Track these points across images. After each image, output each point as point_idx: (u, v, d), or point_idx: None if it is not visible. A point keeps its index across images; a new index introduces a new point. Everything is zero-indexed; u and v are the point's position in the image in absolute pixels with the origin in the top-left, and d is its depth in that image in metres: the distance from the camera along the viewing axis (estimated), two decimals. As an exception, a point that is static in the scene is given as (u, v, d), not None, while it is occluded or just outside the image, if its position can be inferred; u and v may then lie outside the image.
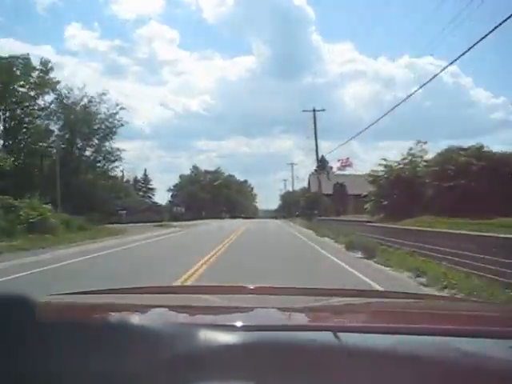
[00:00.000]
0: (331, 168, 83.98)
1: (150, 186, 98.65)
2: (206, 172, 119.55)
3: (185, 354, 0.65)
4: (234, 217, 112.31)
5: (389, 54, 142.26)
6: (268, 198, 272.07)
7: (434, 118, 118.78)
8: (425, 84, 19.80)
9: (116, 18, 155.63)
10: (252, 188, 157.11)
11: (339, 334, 0.86)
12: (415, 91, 26.54)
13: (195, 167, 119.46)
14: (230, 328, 0.88)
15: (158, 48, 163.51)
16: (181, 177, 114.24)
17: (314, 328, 1.11)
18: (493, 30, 11.91)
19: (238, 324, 0.96)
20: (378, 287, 8.71)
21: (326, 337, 0.85)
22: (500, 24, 11.52)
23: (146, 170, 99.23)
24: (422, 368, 0.73)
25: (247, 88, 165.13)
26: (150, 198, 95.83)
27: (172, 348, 0.65)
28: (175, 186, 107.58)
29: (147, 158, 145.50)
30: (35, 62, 41.27)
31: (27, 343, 0.63)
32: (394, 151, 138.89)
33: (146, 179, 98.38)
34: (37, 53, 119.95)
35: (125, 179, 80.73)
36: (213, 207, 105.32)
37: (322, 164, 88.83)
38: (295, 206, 79.60)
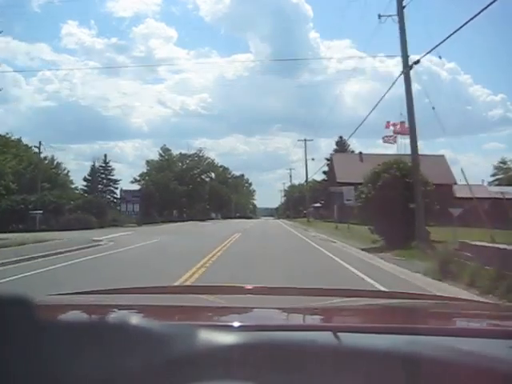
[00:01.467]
0: (352, 152, 58.87)
1: (112, 177, 73.30)
2: (182, 156, 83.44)
3: (185, 354, 0.65)
4: (226, 217, 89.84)
5: (388, 51, 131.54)
6: (267, 197, 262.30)
7: (431, 116, 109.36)
8: (408, 71, 15.89)
9: (112, 16, 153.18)
10: (250, 183, 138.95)
11: (339, 334, 0.85)
12: (398, 76, 16.68)
13: (165, 149, 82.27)
14: (230, 328, 0.91)
15: (155, 46, 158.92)
16: (148, 163, 79.09)
17: (314, 328, 1.13)
18: (474, 17, 12.08)
19: (238, 324, 0.99)
20: None
21: (326, 337, 0.85)
22: (481, 11, 11.65)
23: (106, 157, 73.93)
24: (422, 368, 0.74)
25: (245, 86, 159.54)
26: (113, 192, 71.84)
27: (172, 348, 0.65)
28: (142, 176, 75.50)
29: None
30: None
31: (26, 343, 0.63)
32: (393, 149, 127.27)
33: (105, 168, 73.24)
34: (33, 51, 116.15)
35: (55, 162, 56.87)
36: (195, 204, 78.55)
37: (340, 148, 63.10)
38: (309, 201, 56.16)
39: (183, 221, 60.77)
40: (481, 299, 7.13)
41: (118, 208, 52.17)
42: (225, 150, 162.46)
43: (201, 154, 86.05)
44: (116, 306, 1.43)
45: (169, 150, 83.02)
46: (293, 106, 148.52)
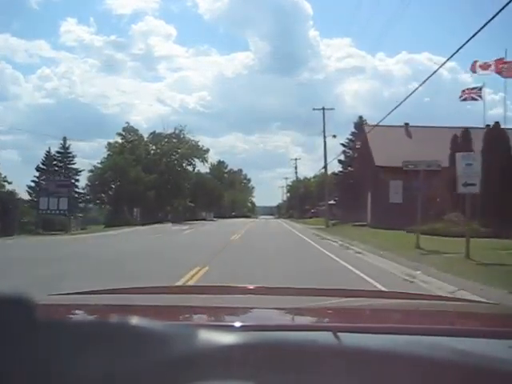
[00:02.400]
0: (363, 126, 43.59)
1: (73, 166, 56.44)
2: (156, 136, 62.26)
3: (185, 354, 0.65)
4: (220, 216, 74.84)
5: (387, 49, 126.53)
6: (267, 196, 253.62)
7: (432, 115, 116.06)
8: (428, 78, 17.06)
9: (111, 13, 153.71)
10: (248, 179, 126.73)
11: (339, 334, 0.85)
12: (421, 84, 19.93)
13: (129, 128, 60.14)
14: (230, 328, 0.91)
15: (154, 44, 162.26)
16: (109, 147, 57.19)
17: (314, 328, 1.13)
18: (486, 24, 11.16)
19: (238, 324, 0.99)
20: None
21: (326, 337, 0.85)
22: (493, 17, 10.81)
23: (65, 140, 57.09)
24: (421, 368, 0.73)
25: (244, 84, 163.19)
26: (74, 183, 55.27)
27: (172, 348, 0.65)
28: (103, 163, 54.08)
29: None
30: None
31: (26, 344, 0.63)
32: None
33: (64, 155, 56.64)
34: (32, 48, 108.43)
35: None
36: (173, 200, 59.51)
37: (360, 131, 46.73)
38: (318, 196, 40.97)
39: (152, 223, 44.13)
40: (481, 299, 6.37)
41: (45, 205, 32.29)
42: (224, 148, 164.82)
43: (181, 135, 62.71)
44: (116, 306, 1.45)
45: (135, 129, 61.29)
46: (292, 104, 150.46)
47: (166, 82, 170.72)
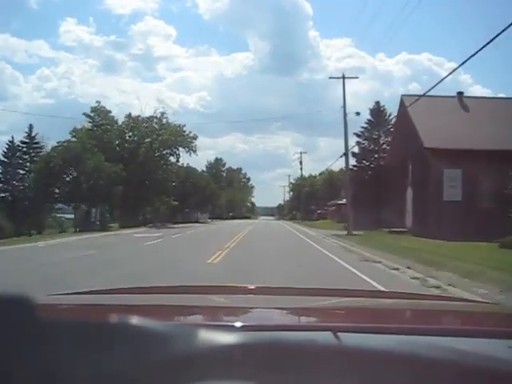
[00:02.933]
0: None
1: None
2: (134, 120, 48.46)
3: (185, 354, 0.66)
4: (216, 217, 67.59)
5: (387, 50, 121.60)
6: (267, 196, 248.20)
7: None
8: (437, 84, 19.88)
9: (111, 13, 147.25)
10: (248, 179, 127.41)
11: (339, 334, 0.86)
12: (434, 86, 19.61)
13: (99, 109, 46.98)
14: (230, 328, 0.91)
15: (154, 44, 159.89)
16: (76, 132, 43.74)
17: (314, 328, 1.13)
18: (501, 32, 10.88)
19: (238, 324, 0.99)
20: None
21: (326, 337, 0.86)
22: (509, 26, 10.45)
23: (31, 128, 47.65)
24: (421, 368, 0.74)
25: (244, 84, 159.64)
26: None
27: (172, 348, 0.66)
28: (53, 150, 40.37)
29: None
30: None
31: (26, 343, 0.63)
32: None
33: (30, 146, 47.57)
34: (31, 48, 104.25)
35: None
36: (154, 198, 48.45)
37: (376, 120, 39.68)
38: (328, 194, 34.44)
39: (129, 227, 36.05)
40: (481, 299, 6.47)
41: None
42: (224, 148, 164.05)
43: (163, 121, 49.08)
44: (116, 306, 1.44)
45: (107, 110, 47.51)
46: (292, 104, 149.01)
47: (165, 82, 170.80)
